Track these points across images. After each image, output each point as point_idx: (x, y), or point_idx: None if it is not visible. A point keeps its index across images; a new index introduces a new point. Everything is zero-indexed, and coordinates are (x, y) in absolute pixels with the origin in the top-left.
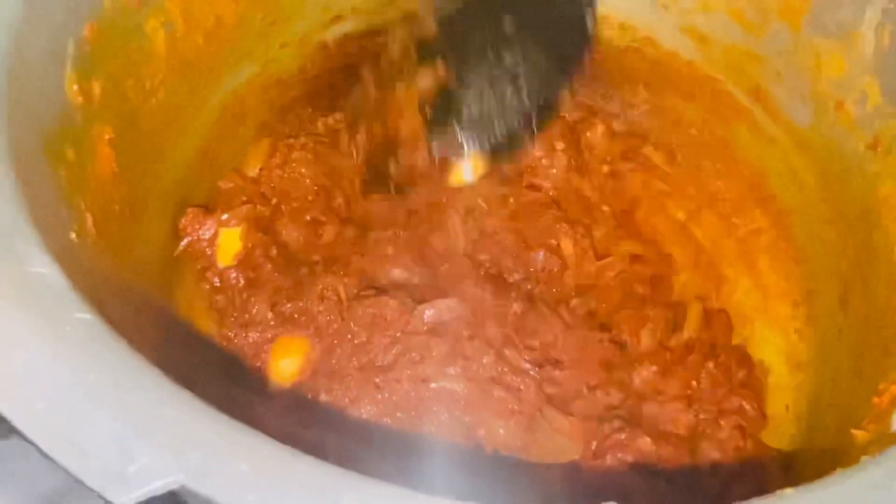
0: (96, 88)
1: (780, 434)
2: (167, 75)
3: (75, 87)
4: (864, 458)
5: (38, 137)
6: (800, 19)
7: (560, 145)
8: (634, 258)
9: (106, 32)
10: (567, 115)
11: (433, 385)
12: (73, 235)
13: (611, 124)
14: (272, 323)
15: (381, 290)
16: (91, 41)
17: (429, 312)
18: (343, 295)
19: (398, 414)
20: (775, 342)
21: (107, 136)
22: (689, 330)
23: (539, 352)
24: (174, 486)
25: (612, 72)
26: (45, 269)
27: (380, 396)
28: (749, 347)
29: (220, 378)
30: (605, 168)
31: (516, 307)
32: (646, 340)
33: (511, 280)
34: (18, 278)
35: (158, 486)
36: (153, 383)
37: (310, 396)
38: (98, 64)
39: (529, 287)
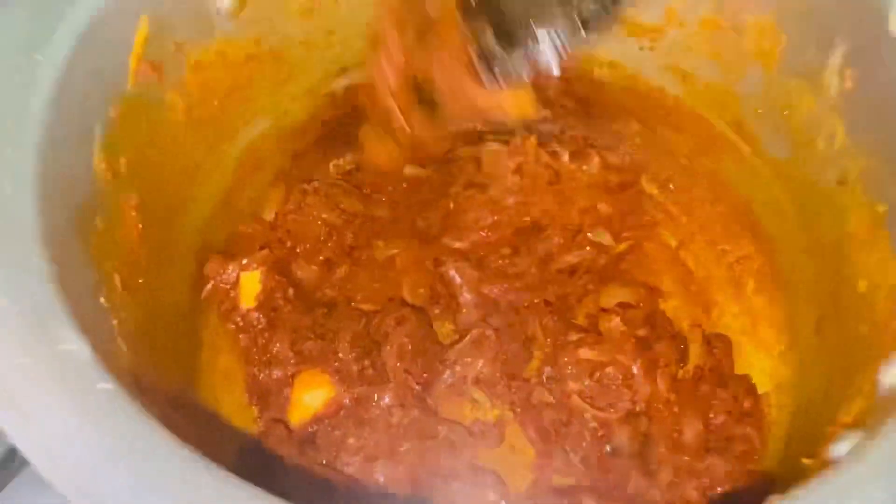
0: (122, 162)
1: (768, 456)
2: (186, 138)
3: (103, 165)
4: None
5: (69, 214)
6: (772, 61)
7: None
8: (624, 306)
9: (130, 110)
10: (559, 150)
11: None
12: (102, 300)
13: (606, 156)
14: (293, 361)
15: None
16: (116, 121)
17: None
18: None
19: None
20: (761, 364)
21: (133, 202)
22: (694, 357)
23: None
24: None
25: (606, 106)
26: (74, 346)
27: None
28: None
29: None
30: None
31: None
32: (662, 384)
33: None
34: (52, 357)
35: None
36: (162, 444)
37: (331, 436)
38: (123, 139)
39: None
